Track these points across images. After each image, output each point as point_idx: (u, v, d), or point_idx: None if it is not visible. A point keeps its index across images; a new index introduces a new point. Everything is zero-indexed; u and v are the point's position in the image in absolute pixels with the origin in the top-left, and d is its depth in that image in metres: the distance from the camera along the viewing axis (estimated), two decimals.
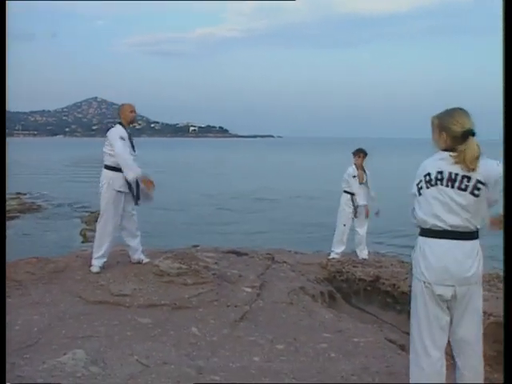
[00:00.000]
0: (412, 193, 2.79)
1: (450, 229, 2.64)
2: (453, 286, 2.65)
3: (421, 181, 2.73)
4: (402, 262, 6.70)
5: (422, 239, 2.74)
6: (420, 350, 2.75)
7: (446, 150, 2.71)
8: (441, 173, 2.66)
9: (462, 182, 2.62)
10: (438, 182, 2.66)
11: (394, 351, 3.87)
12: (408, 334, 4.57)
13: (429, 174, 2.69)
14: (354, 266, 6.17)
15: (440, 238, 2.66)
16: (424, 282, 2.69)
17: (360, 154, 7.21)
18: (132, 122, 5.62)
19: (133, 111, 5.58)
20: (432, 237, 2.68)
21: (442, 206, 2.64)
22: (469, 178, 2.62)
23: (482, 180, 2.61)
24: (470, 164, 2.59)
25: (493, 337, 3.58)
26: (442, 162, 2.67)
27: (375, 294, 5.71)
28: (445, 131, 2.70)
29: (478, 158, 2.60)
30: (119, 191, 5.42)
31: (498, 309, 3.82)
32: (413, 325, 2.82)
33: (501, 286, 4.79)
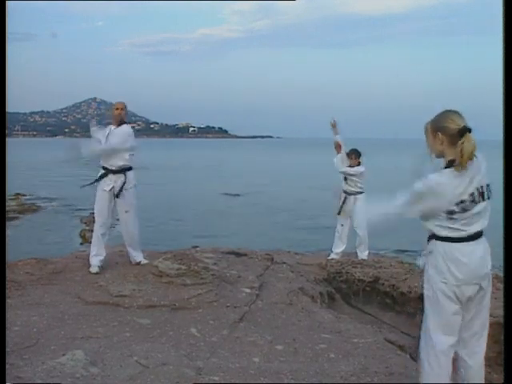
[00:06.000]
0: (428, 210, 2.72)
1: (473, 233, 2.70)
2: (477, 283, 2.71)
3: (452, 212, 2.66)
4: (402, 262, 6.69)
5: (446, 244, 2.71)
6: (440, 354, 2.75)
7: (451, 163, 2.67)
8: (472, 194, 2.66)
9: (487, 190, 2.69)
10: (472, 204, 2.66)
11: (393, 352, 3.87)
12: (407, 334, 4.59)
13: (462, 202, 2.65)
14: (353, 267, 6.16)
15: (465, 241, 2.70)
16: (452, 285, 2.69)
17: (352, 155, 7.24)
18: (117, 119, 5.51)
19: (118, 109, 5.51)
20: (459, 241, 2.70)
21: (472, 219, 2.68)
22: (489, 185, 2.69)
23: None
24: (465, 161, 2.60)
25: (493, 337, 3.58)
26: (465, 182, 2.64)
27: (374, 294, 5.70)
28: (440, 131, 2.69)
29: (474, 153, 2.61)
30: (104, 190, 5.46)
31: (498, 309, 3.82)
32: (434, 329, 2.77)
33: (500, 286, 4.78)
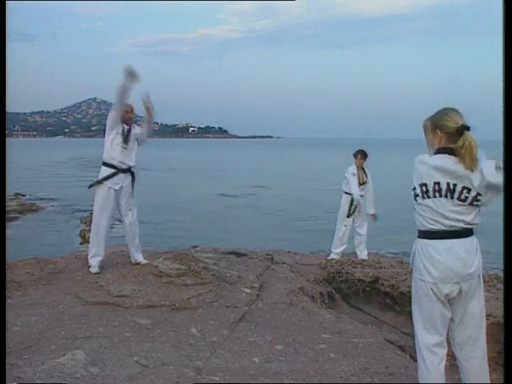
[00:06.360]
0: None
1: (449, 230, 2.65)
2: (458, 283, 2.66)
3: (415, 188, 2.70)
4: (402, 262, 6.70)
5: (422, 241, 2.72)
6: (424, 350, 2.75)
7: (439, 151, 2.67)
8: (438, 184, 2.62)
9: (461, 192, 2.60)
10: (436, 194, 2.63)
11: (393, 352, 3.87)
12: (407, 334, 4.59)
13: (425, 185, 2.65)
14: (353, 267, 6.17)
15: (441, 238, 2.66)
16: (429, 283, 2.67)
17: (358, 154, 7.25)
18: (127, 122, 5.48)
19: (128, 112, 5.45)
20: (433, 238, 2.67)
21: (441, 214, 2.64)
22: (469, 190, 2.60)
23: (482, 189, 2.59)
24: (471, 161, 2.56)
25: (493, 337, 3.58)
26: (439, 171, 2.62)
27: (374, 294, 5.70)
28: (439, 129, 2.67)
29: (476, 153, 2.57)
30: (109, 187, 5.41)
31: (498, 309, 3.82)
32: (417, 325, 2.79)
33: (500, 286, 4.79)
